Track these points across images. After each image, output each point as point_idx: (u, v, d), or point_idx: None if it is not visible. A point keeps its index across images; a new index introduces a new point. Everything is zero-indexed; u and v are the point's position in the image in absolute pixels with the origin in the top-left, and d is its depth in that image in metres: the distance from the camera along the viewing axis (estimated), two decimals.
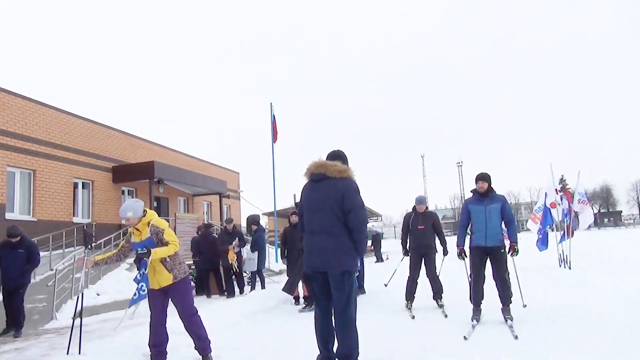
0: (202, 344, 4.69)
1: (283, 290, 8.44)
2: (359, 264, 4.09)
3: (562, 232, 12.74)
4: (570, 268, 11.82)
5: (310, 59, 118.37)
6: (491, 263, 5.89)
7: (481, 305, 5.96)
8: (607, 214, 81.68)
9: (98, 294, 10.46)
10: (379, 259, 22.64)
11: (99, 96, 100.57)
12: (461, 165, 76.20)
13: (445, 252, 7.35)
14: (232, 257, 10.74)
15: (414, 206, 7.37)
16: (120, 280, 11.38)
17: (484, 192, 5.95)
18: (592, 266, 12.27)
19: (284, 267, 9.57)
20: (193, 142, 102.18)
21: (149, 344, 4.61)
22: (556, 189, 12.75)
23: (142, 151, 19.03)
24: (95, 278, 11.25)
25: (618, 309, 6.22)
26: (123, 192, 17.97)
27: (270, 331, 6.26)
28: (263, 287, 10.99)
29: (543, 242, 13.08)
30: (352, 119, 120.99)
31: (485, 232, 5.84)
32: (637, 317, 5.72)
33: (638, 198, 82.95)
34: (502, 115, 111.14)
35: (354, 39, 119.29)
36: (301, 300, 8.58)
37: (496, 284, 5.89)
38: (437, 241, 7.32)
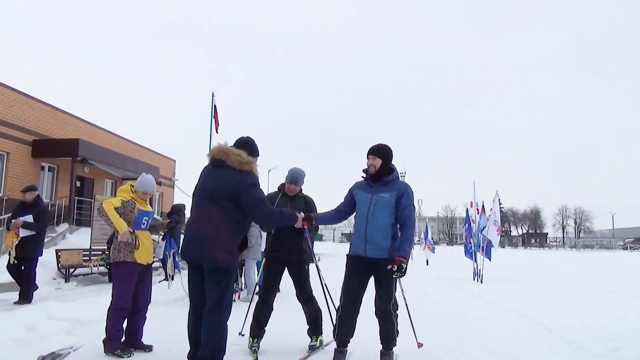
0: (139, 336, 4.54)
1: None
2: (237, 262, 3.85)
3: (474, 248, 13.12)
4: (482, 282, 12.26)
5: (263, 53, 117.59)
6: (375, 284, 4.06)
7: (348, 345, 4.13)
8: (534, 234, 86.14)
9: None
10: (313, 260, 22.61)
11: (34, 70, 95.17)
12: (404, 176, 77.81)
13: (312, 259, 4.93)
14: (8, 242, 7.39)
15: (282, 184, 4.90)
16: None
17: (375, 174, 4.06)
18: (501, 281, 12.76)
19: None
20: (130, 126, 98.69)
21: (118, 332, 4.34)
22: (478, 208, 13.11)
23: (69, 127, 17.99)
24: None
25: (504, 319, 6.45)
26: (43, 167, 16.90)
27: (165, 323, 5.86)
28: (172, 277, 10.59)
29: (487, 252, 13.29)
30: (301, 117, 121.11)
31: (364, 234, 4.00)
32: (509, 324, 5.95)
33: (563, 222, 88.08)
34: (444, 129, 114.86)
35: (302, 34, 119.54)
36: None
37: (376, 316, 4.05)
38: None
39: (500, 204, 13.25)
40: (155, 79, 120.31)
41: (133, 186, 4.68)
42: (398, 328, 4.07)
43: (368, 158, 4.13)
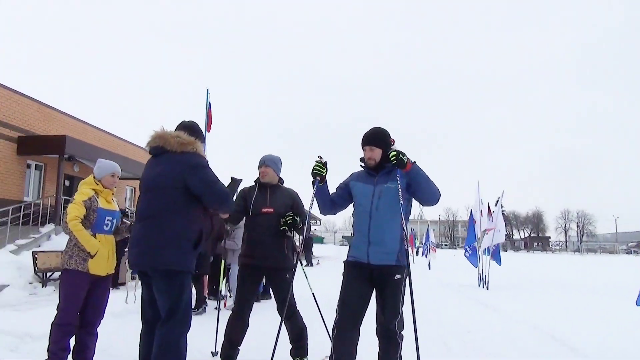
0: (89, 356, 3.81)
1: None
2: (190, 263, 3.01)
3: (483, 252, 12.50)
4: (487, 288, 11.63)
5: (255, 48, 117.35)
6: (376, 296, 3.31)
7: None
8: (537, 238, 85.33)
9: None
10: (309, 262, 22.14)
11: (20, 65, 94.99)
12: None
13: (308, 261, 4.38)
14: None
15: (258, 177, 4.23)
16: None
17: (376, 166, 3.38)
18: (508, 287, 12.10)
19: None
20: (121, 123, 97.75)
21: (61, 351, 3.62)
22: (486, 209, 12.53)
23: (56, 124, 17.29)
24: None
25: (515, 332, 5.77)
26: (29, 165, 16.21)
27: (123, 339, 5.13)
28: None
29: (473, 258, 12.84)
30: (298, 116, 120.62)
31: (367, 234, 3.28)
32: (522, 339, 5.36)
33: (565, 225, 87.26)
34: (438, 132, 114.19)
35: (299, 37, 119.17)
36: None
37: (377, 334, 3.30)
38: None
39: (502, 206, 12.64)
40: (149, 75, 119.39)
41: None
42: (402, 353, 3.24)
43: (364, 149, 3.43)
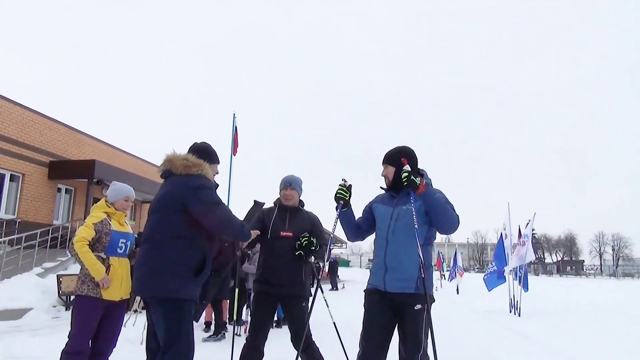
0: None
1: None
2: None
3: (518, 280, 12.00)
4: (519, 315, 11.14)
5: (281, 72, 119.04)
6: (398, 328, 3.06)
7: None
8: (570, 262, 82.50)
9: None
10: (334, 286, 21.83)
11: (50, 90, 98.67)
12: None
13: (333, 285, 3.96)
14: None
15: (278, 199, 4.06)
16: (24, 286, 10.02)
17: (392, 185, 3.20)
18: (541, 314, 11.56)
19: None
20: (149, 148, 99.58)
21: None
22: (517, 231, 12.15)
23: (86, 148, 17.72)
24: None
25: None
26: (59, 189, 16.59)
27: None
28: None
29: (490, 281, 12.45)
30: (323, 140, 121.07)
31: (384, 259, 3.08)
32: None
33: (600, 249, 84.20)
34: (468, 153, 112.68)
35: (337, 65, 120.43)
36: (212, 326, 7.52)
37: None
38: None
39: (532, 229, 12.22)
40: (176, 100, 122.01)
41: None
42: None
43: (382, 167, 3.28)
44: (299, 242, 3.76)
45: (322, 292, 3.93)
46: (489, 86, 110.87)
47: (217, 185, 3.17)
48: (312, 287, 3.89)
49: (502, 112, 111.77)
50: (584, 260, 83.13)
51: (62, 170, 16.05)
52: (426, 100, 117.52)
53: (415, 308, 2.92)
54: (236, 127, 20.10)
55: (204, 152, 3.18)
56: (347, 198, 3.25)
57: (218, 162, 3.28)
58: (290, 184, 3.96)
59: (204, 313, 6.86)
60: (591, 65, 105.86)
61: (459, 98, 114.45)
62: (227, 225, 2.95)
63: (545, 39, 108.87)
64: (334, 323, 4.04)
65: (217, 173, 3.26)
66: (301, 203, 4.09)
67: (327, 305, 4.12)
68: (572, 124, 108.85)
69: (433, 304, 3.08)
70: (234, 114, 19.60)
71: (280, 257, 3.74)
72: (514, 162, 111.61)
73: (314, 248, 3.73)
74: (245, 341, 3.76)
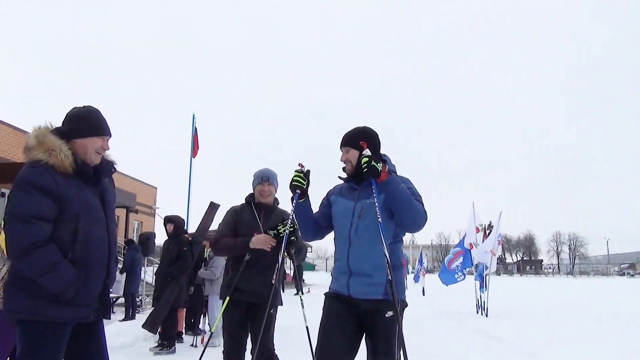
0: None
1: (143, 326, 6.60)
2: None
3: (480, 280, 11.87)
4: (487, 315, 11.02)
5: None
6: (366, 339, 2.65)
7: None
8: (529, 261, 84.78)
9: None
10: (299, 290, 21.34)
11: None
12: None
13: (298, 289, 3.89)
14: None
15: (250, 194, 3.69)
16: None
17: (355, 173, 2.71)
18: (509, 314, 11.48)
19: None
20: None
21: None
22: (477, 227, 12.04)
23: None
24: None
25: None
26: (3, 194, 15.46)
27: None
28: (132, 316, 9.23)
29: (446, 276, 12.35)
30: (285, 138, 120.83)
31: (347, 262, 2.65)
32: None
33: (557, 248, 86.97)
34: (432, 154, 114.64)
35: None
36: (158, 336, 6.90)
37: None
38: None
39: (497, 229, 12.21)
40: (133, 100, 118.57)
41: None
42: None
43: (341, 151, 2.78)
44: (280, 228, 3.26)
45: (303, 293, 3.69)
46: (444, 81, 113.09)
47: (114, 168, 2.42)
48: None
49: (464, 110, 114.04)
50: (542, 260, 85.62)
51: (6, 173, 14.94)
52: (377, 96, 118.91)
53: (387, 315, 2.51)
54: (196, 128, 19.53)
55: (76, 121, 2.28)
56: (304, 186, 2.73)
57: (104, 134, 2.33)
58: (268, 179, 3.55)
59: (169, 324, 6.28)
60: (549, 68, 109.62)
61: (421, 91, 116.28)
62: (15, 245, 2.07)
63: (503, 43, 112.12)
64: (307, 327, 3.60)
65: (106, 149, 2.36)
66: (276, 201, 3.68)
67: (302, 306, 3.69)
68: (532, 126, 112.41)
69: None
70: (193, 115, 19.05)
71: (254, 262, 3.31)
72: (477, 162, 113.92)
73: (293, 238, 3.26)
74: (222, 355, 3.33)
